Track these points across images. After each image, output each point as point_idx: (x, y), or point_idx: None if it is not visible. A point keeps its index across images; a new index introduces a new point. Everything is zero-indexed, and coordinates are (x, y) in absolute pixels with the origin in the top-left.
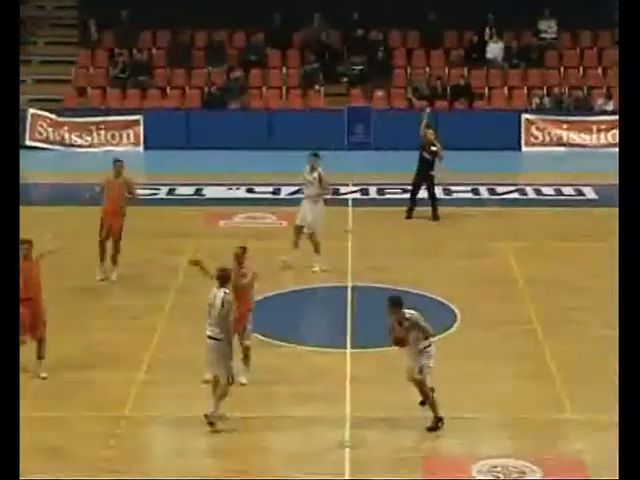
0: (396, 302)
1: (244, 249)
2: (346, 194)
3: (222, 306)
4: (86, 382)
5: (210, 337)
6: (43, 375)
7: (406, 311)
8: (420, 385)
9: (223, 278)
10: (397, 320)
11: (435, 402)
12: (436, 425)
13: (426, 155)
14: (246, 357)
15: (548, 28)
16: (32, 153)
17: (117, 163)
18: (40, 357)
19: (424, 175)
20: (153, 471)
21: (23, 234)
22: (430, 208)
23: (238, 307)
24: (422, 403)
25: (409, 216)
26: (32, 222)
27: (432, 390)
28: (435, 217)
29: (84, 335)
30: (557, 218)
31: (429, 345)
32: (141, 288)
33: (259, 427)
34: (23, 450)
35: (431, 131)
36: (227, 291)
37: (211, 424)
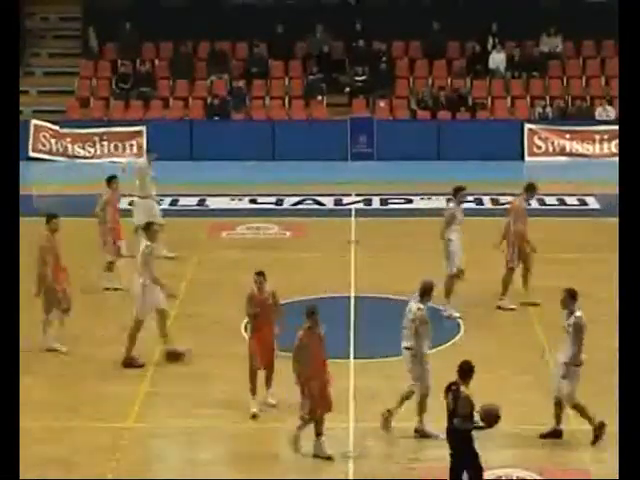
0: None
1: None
2: (349, 205)
3: (412, 320)
4: (90, 393)
5: (404, 347)
6: None
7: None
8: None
9: (423, 290)
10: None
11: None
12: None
13: None
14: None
15: (556, 48)
16: (35, 165)
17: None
18: None
19: None
20: None
21: (27, 245)
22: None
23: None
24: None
25: None
26: (35, 233)
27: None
28: None
29: (89, 347)
30: (560, 228)
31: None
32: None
33: (264, 437)
34: (29, 461)
35: None
36: (421, 306)
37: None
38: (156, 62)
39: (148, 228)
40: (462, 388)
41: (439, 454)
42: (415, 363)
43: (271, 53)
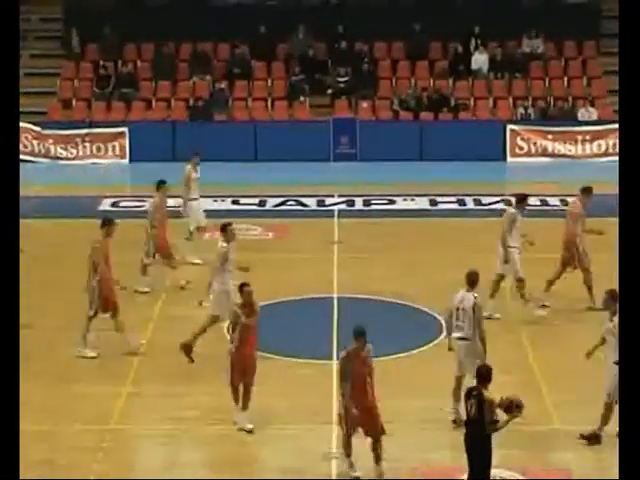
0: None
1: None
2: (332, 205)
3: (473, 312)
4: (73, 395)
5: (459, 338)
6: None
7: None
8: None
9: (471, 280)
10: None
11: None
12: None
13: None
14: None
15: (537, 49)
16: None
17: None
18: None
19: None
20: None
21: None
22: None
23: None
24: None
25: None
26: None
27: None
28: None
29: (73, 348)
30: (542, 228)
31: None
32: (130, 300)
33: (248, 439)
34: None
35: None
36: (476, 295)
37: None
38: (138, 63)
39: (225, 229)
40: (485, 393)
41: (424, 455)
42: (471, 354)
43: (253, 54)
